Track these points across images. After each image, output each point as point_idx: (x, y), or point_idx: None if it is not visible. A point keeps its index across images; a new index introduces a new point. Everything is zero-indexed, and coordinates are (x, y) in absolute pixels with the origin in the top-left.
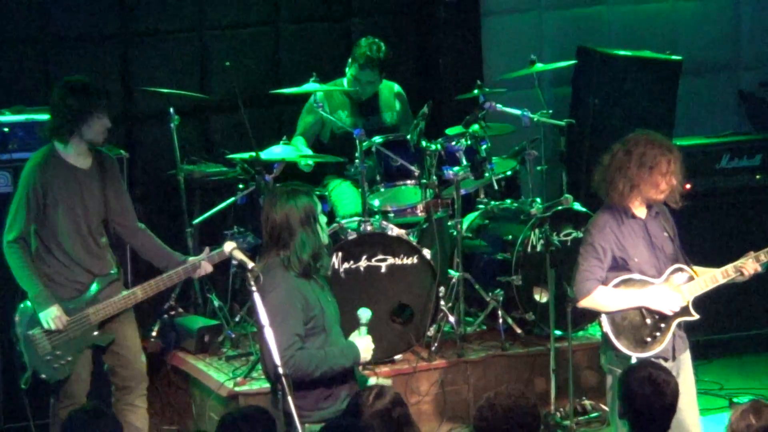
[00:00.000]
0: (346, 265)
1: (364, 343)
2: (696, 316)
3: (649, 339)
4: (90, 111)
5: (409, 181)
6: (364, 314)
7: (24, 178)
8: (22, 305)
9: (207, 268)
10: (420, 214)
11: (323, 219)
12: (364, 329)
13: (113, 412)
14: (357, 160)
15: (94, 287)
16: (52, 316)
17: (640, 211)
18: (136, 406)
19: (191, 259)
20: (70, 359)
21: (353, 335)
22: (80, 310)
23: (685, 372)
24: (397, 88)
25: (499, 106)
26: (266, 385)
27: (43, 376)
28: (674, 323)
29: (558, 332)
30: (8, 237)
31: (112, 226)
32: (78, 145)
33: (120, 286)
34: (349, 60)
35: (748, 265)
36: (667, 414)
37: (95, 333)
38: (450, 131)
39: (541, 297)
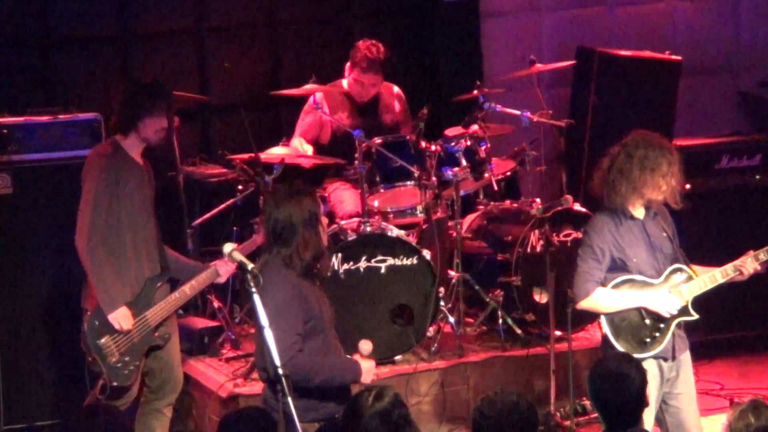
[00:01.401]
0: (345, 266)
1: (367, 365)
2: (695, 316)
3: (648, 339)
4: (150, 109)
5: (408, 182)
6: (366, 348)
7: (92, 171)
8: (89, 319)
9: (228, 268)
10: (420, 215)
11: (324, 221)
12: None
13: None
14: (356, 161)
15: (148, 288)
16: (122, 316)
17: (638, 212)
18: (162, 414)
19: (213, 263)
20: (138, 363)
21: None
22: (140, 313)
23: (685, 372)
24: (396, 89)
25: (498, 106)
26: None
27: (115, 383)
28: (674, 323)
29: (558, 333)
30: (85, 239)
31: None
32: (136, 142)
33: (168, 288)
34: (349, 64)
35: (748, 265)
36: (634, 406)
37: (155, 335)
38: (449, 132)
39: (540, 297)
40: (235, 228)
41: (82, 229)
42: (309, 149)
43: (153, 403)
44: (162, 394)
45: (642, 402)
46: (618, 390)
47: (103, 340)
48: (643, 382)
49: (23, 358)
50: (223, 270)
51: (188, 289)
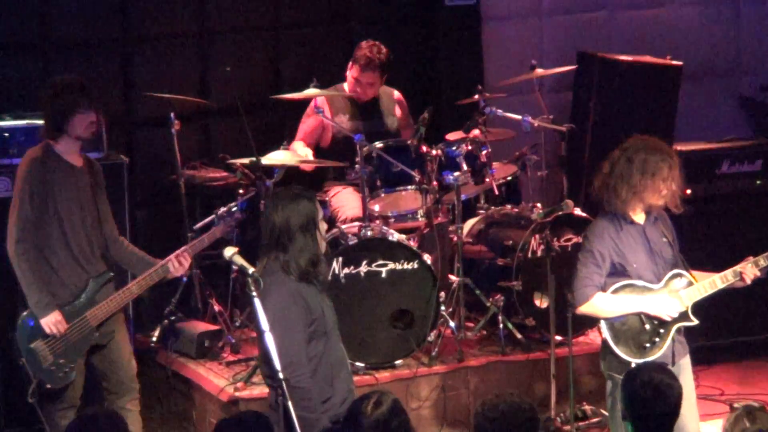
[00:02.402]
0: (346, 271)
1: None
2: (695, 321)
3: (648, 344)
4: (72, 108)
5: (409, 186)
6: None
7: (22, 173)
8: (20, 322)
9: (175, 264)
10: (420, 220)
11: (323, 226)
12: None
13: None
14: (357, 165)
15: (90, 288)
16: (53, 321)
17: (638, 216)
18: (128, 410)
19: (168, 258)
20: (73, 365)
21: None
22: (79, 314)
23: (685, 377)
24: (397, 94)
25: (499, 111)
26: (267, 390)
27: (48, 385)
28: (673, 328)
29: (558, 337)
30: (14, 238)
31: None
32: (69, 142)
33: (113, 287)
34: (350, 62)
35: (748, 270)
36: (669, 418)
37: (96, 334)
38: (450, 136)
39: (541, 302)
40: (235, 231)
41: (10, 233)
42: (309, 153)
43: (116, 403)
44: (121, 393)
45: (676, 414)
46: (656, 401)
47: (34, 344)
48: (680, 395)
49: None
50: (173, 267)
51: (135, 287)
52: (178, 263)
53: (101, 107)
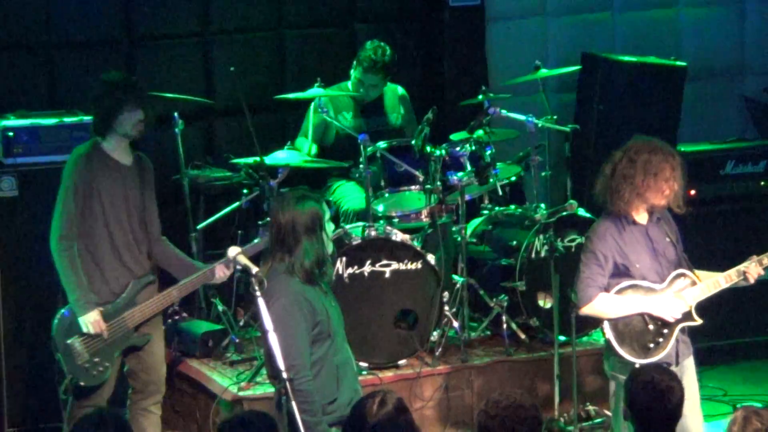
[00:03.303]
0: (350, 270)
1: None
2: (699, 321)
3: (652, 345)
4: (120, 106)
5: (413, 187)
6: None
7: (68, 170)
8: (59, 313)
9: (224, 271)
10: (424, 220)
11: (330, 227)
12: None
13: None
14: (362, 165)
15: (131, 289)
16: (91, 321)
17: (641, 217)
18: (151, 412)
19: (215, 265)
20: (108, 365)
21: None
22: (118, 314)
23: (688, 378)
24: (401, 90)
25: (503, 111)
26: (271, 390)
27: (82, 383)
28: (677, 329)
29: (562, 338)
30: (57, 234)
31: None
32: (117, 140)
33: (155, 289)
34: (354, 62)
35: (752, 269)
36: (670, 419)
37: (134, 335)
38: (454, 137)
39: (545, 303)
40: (239, 231)
41: (54, 229)
42: (314, 147)
43: (140, 403)
44: (147, 394)
45: (678, 415)
46: (658, 402)
47: (71, 340)
48: (682, 396)
49: (27, 360)
50: (218, 274)
51: (175, 292)
52: (222, 271)
53: (150, 106)
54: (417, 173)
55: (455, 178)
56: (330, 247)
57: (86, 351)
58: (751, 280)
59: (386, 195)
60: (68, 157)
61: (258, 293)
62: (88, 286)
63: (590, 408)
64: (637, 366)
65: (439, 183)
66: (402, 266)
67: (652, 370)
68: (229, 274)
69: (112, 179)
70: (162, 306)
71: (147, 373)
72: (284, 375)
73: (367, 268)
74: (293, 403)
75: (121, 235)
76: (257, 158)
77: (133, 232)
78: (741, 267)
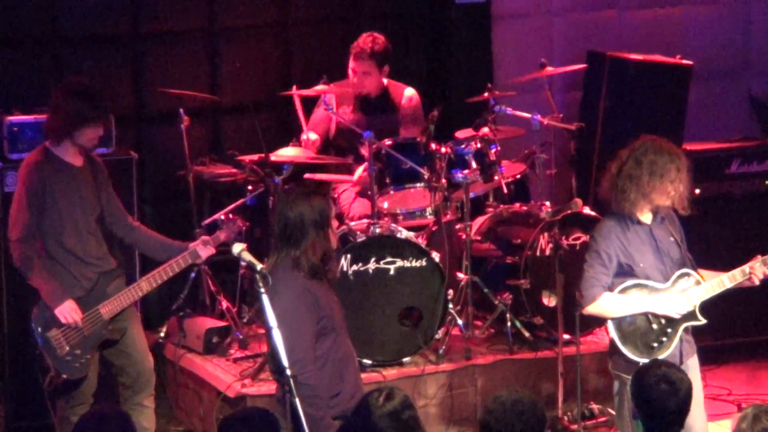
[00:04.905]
0: (354, 267)
1: None
2: (703, 321)
3: (655, 344)
4: (83, 121)
5: (418, 184)
6: None
7: (21, 176)
8: (34, 313)
9: (208, 250)
10: (429, 217)
11: (335, 224)
12: None
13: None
14: (367, 163)
15: (101, 283)
16: (68, 309)
17: (645, 216)
18: (144, 407)
19: (192, 244)
20: (89, 356)
21: None
22: (91, 306)
23: (692, 377)
24: (408, 92)
25: (509, 109)
26: (274, 387)
27: (65, 375)
28: (681, 328)
29: (566, 336)
30: (15, 237)
31: (107, 226)
32: (69, 146)
33: (123, 282)
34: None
35: (757, 269)
36: (680, 412)
37: (109, 327)
38: (460, 134)
39: (549, 301)
40: (244, 228)
41: (11, 236)
42: (316, 136)
43: (132, 399)
44: (138, 389)
45: (687, 409)
46: (669, 395)
47: (49, 333)
48: (691, 389)
49: (29, 356)
50: (204, 255)
51: (145, 284)
52: (205, 250)
53: (109, 116)
54: (422, 170)
55: (460, 175)
56: (334, 243)
57: (66, 343)
58: (756, 281)
59: (391, 192)
60: (20, 165)
61: (262, 289)
62: (57, 281)
63: (594, 406)
64: (641, 364)
65: (444, 180)
66: (406, 263)
67: (661, 364)
68: (214, 251)
69: (65, 182)
70: (133, 299)
71: (133, 367)
72: (288, 372)
73: (371, 266)
74: (296, 399)
75: (79, 235)
76: (262, 154)
77: (91, 230)
78: (745, 267)
